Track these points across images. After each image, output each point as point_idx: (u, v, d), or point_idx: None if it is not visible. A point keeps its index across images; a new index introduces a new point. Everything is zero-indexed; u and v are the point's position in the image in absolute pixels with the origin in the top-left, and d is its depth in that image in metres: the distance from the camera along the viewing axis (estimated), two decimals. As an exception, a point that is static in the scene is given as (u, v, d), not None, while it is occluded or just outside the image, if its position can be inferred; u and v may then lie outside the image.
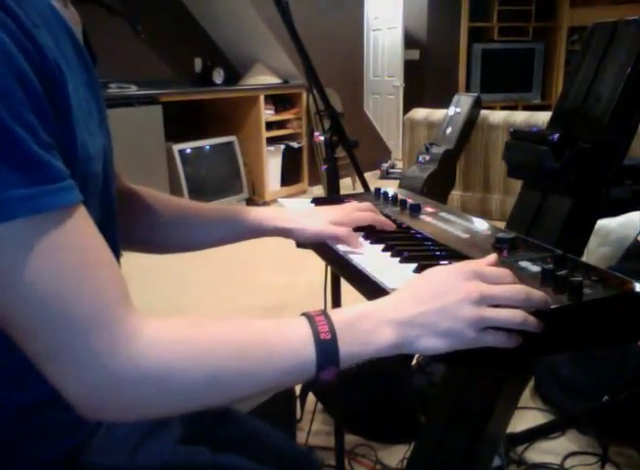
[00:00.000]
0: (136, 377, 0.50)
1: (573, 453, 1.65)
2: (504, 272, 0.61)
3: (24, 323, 0.48)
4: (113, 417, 0.54)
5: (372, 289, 0.69)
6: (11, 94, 0.45)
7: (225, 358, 0.53)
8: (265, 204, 4.70)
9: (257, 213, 0.90)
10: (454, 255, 0.75)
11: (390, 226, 0.89)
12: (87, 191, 0.57)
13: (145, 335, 0.51)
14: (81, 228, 0.50)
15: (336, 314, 0.57)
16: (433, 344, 0.56)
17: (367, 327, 0.56)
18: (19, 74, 0.46)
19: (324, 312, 0.57)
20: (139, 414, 0.54)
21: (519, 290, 0.58)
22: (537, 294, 0.58)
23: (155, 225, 0.86)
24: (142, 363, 0.50)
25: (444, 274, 0.59)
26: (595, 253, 2.13)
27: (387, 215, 0.95)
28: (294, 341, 0.55)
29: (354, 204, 0.94)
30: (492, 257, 0.64)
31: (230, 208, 0.92)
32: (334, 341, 0.55)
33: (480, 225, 0.88)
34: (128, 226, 0.82)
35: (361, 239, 0.85)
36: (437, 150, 3.76)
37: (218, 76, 4.47)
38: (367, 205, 0.93)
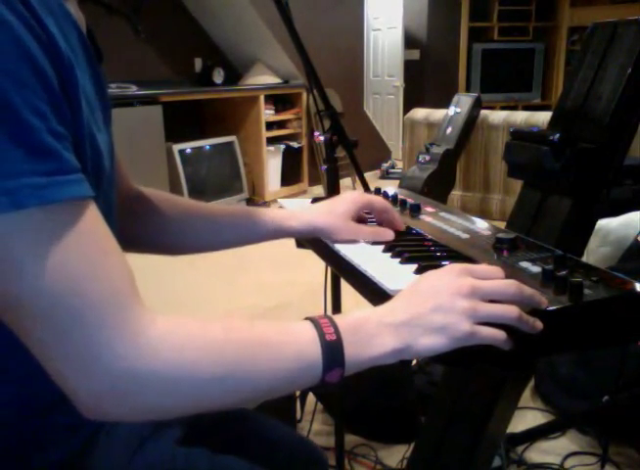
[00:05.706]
0: (148, 371, 0.48)
1: (573, 453, 1.65)
2: (495, 269, 0.62)
3: (34, 312, 0.46)
4: (118, 415, 0.51)
5: (372, 290, 0.69)
6: (24, 82, 0.44)
7: (234, 356, 0.52)
8: (265, 204, 4.70)
9: (274, 215, 0.87)
10: (454, 255, 0.75)
11: (399, 226, 0.87)
12: (100, 188, 0.57)
13: (158, 328, 0.50)
14: (91, 222, 0.49)
15: (338, 318, 0.57)
16: (431, 342, 0.56)
17: (369, 331, 0.56)
18: (32, 61, 0.45)
19: (327, 316, 0.58)
20: (145, 412, 0.52)
21: (510, 283, 0.58)
22: (529, 289, 0.58)
23: (162, 227, 0.85)
24: (154, 357, 0.49)
25: (436, 275, 0.60)
26: (595, 253, 2.13)
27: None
28: (300, 342, 0.55)
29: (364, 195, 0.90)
30: (483, 264, 0.66)
31: (243, 209, 0.90)
32: (339, 342, 0.55)
33: (481, 225, 0.88)
34: (136, 228, 0.82)
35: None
36: (437, 150, 3.77)
37: (218, 76, 4.47)
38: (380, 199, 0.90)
